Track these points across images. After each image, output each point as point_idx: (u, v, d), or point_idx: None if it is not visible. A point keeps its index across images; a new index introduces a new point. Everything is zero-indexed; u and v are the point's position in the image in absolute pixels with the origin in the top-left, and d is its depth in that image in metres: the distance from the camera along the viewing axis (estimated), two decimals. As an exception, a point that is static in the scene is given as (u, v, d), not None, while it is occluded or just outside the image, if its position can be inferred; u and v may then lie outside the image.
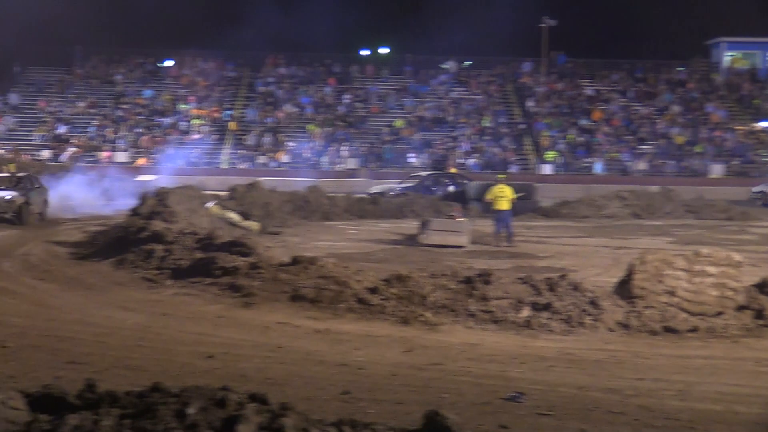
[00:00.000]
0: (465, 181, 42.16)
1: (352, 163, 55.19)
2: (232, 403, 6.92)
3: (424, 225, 26.36)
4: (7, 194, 29.37)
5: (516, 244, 26.02)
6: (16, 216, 29.15)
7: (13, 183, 30.87)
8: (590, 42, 67.54)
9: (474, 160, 55.71)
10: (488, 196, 26.88)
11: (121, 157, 55.74)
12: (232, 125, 58.78)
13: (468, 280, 16.42)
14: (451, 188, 41.26)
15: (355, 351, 12.96)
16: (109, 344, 13.13)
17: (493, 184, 27.69)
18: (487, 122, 59.95)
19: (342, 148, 56.62)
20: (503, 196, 26.36)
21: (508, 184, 27.33)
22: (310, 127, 59.30)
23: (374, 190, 41.78)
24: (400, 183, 43.39)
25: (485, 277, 16.35)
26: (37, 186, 32.25)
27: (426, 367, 12.05)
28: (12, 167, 33.46)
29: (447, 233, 25.49)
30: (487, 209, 29.51)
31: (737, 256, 16.20)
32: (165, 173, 46.68)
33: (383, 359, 12.47)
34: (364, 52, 69.58)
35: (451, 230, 25.70)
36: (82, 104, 61.46)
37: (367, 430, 6.98)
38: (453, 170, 48.00)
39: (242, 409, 6.75)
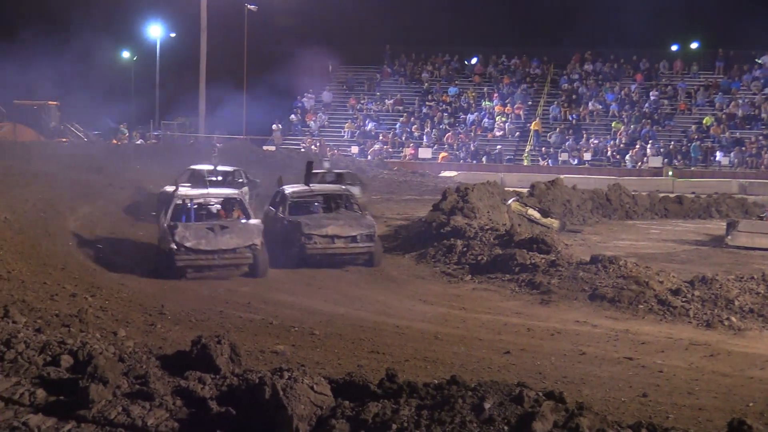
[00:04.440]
0: None
1: (656, 162, 53.74)
2: (529, 399, 6.92)
3: (732, 226, 25.29)
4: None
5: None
6: None
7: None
8: None
9: (788, 159, 52.86)
10: None
11: (425, 153, 57.00)
12: (535, 125, 58.72)
13: (778, 285, 15.67)
14: None
15: (656, 353, 12.64)
16: (408, 336, 13.49)
17: None
18: (804, 120, 56.66)
19: (646, 146, 55.31)
20: None
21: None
22: (614, 124, 58.36)
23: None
24: None
25: (798, 282, 15.54)
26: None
27: (730, 374, 11.58)
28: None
29: (756, 235, 24.35)
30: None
31: None
32: (467, 170, 47.38)
33: (684, 363, 12.09)
34: (674, 48, 67.65)
35: (761, 232, 24.51)
36: (389, 102, 63.35)
37: (666, 433, 6.81)
38: None
39: (538, 407, 6.74)
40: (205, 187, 22.20)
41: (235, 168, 30.12)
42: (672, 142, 55.67)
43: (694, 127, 57.40)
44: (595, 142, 56.52)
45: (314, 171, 25.26)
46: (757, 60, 62.59)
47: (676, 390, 10.72)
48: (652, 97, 60.49)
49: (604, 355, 12.46)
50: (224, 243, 18.35)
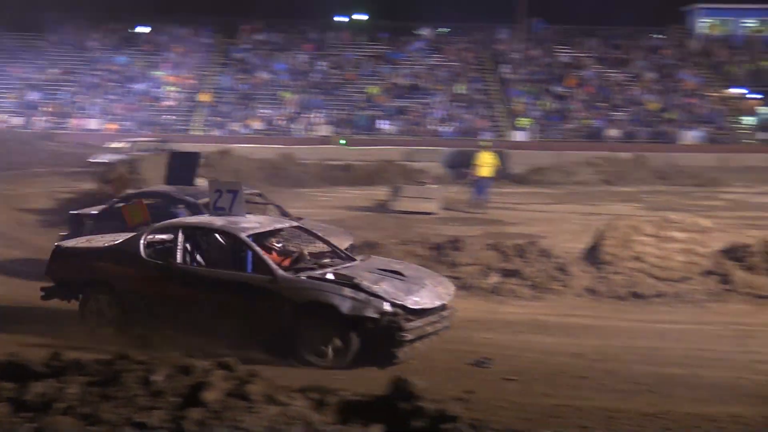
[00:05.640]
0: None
1: (325, 130, 55.02)
2: (199, 370, 6.94)
3: (396, 191, 26.36)
4: None
5: (487, 211, 26.02)
6: None
7: None
8: (567, 8, 66.95)
9: (448, 127, 55.68)
10: (474, 162, 26.74)
11: (93, 124, 55.37)
12: (204, 96, 58.33)
13: (438, 247, 16.49)
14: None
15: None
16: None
17: (474, 151, 27.65)
18: (461, 89, 59.85)
19: (316, 115, 56.46)
20: (488, 163, 26.49)
21: (493, 151, 27.58)
22: (284, 93, 59.09)
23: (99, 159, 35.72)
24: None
25: (455, 243, 16.43)
26: None
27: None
28: None
29: (418, 200, 25.52)
30: (460, 176, 29.65)
31: (705, 222, 16.39)
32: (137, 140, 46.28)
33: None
34: (341, 19, 69.34)
35: (422, 197, 25.74)
36: (54, 71, 60.94)
37: (333, 395, 7.02)
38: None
39: (209, 376, 6.78)
40: None
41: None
42: (340, 111, 57.17)
43: (360, 96, 59.17)
44: (266, 111, 57.03)
45: None
46: (415, 32, 65.43)
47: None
48: (320, 67, 61.76)
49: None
50: (437, 296, 11.40)
